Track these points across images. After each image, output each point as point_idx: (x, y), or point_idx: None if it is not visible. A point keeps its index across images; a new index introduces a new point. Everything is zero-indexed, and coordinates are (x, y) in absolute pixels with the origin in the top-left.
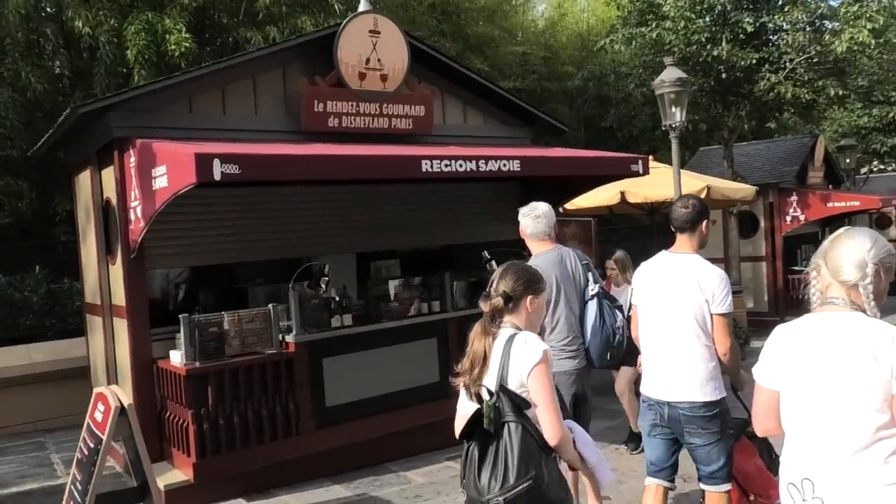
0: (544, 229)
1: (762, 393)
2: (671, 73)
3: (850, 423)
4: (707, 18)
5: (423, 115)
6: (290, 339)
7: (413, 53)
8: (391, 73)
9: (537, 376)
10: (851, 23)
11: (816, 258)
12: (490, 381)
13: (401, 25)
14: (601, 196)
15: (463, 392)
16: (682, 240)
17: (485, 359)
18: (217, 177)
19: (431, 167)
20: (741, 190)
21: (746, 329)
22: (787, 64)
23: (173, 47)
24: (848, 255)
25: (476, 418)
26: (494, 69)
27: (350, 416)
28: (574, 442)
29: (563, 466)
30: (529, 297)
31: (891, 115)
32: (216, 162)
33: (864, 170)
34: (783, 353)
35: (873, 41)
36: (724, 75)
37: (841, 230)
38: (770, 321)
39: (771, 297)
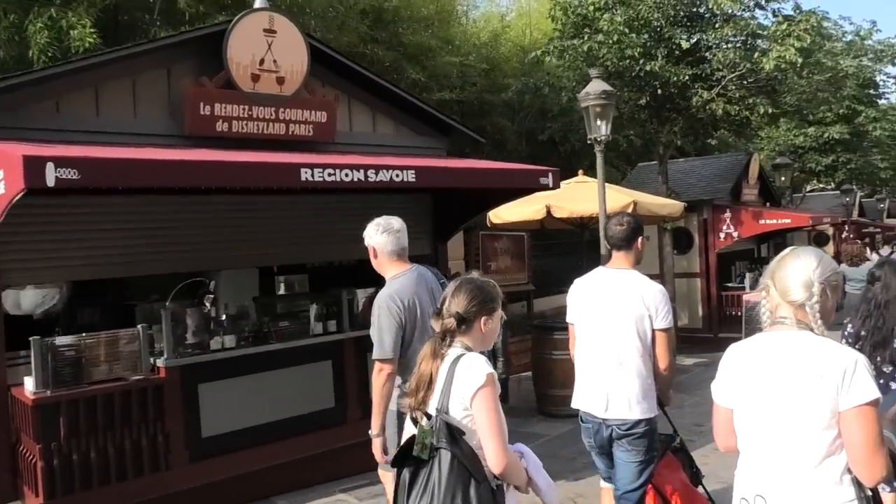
0: (404, 245)
1: (720, 411)
2: (596, 86)
3: (801, 440)
4: (644, 34)
5: (326, 122)
6: (160, 363)
7: (315, 56)
8: (289, 75)
9: (481, 400)
10: (780, 41)
11: (765, 278)
12: (432, 405)
13: (327, 31)
14: (527, 210)
15: (408, 418)
16: (618, 256)
17: (430, 382)
18: (50, 183)
19: (312, 176)
20: (668, 206)
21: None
22: (720, 81)
23: (77, 43)
24: (795, 275)
25: (408, 443)
26: (432, 79)
27: (230, 447)
28: (526, 468)
29: (512, 493)
30: (483, 318)
31: (825, 135)
32: (49, 166)
33: (808, 188)
34: (736, 371)
35: (800, 60)
36: (659, 91)
37: (787, 250)
38: (704, 338)
39: (705, 314)
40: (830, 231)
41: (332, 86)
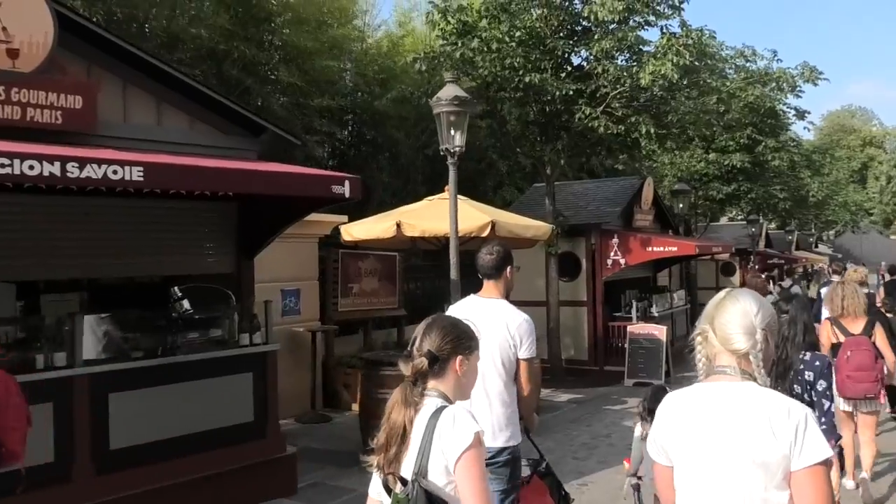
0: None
1: (659, 470)
2: (449, 91)
3: (751, 502)
4: (528, 45)
5: (82, 108)
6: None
7: (71, 29)
8: (25, 47)
9: (467, 465)
10: (659, 56)
11: (702, 324)
12: (408, 464)
13: (172, 20)
14: (378, 227)
15: (375, 475)
16: (489, 285)
17: (404, 435)
18: None
19: None
20: (533, 228)
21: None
22: (605, 98)
23: None
24: (736, 321)
25: None
26: (312, 84)
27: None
28: None
29: None
30: (459, 358)
31: (728, 163)
32: None
33: (724, 218)
34: (674, 426)
35: (676, 76)
36: (544, 106)
37: (723, 293)
38: (589, 370)
39: (591, 345)
40: (737, 262)
41: (101, 66)
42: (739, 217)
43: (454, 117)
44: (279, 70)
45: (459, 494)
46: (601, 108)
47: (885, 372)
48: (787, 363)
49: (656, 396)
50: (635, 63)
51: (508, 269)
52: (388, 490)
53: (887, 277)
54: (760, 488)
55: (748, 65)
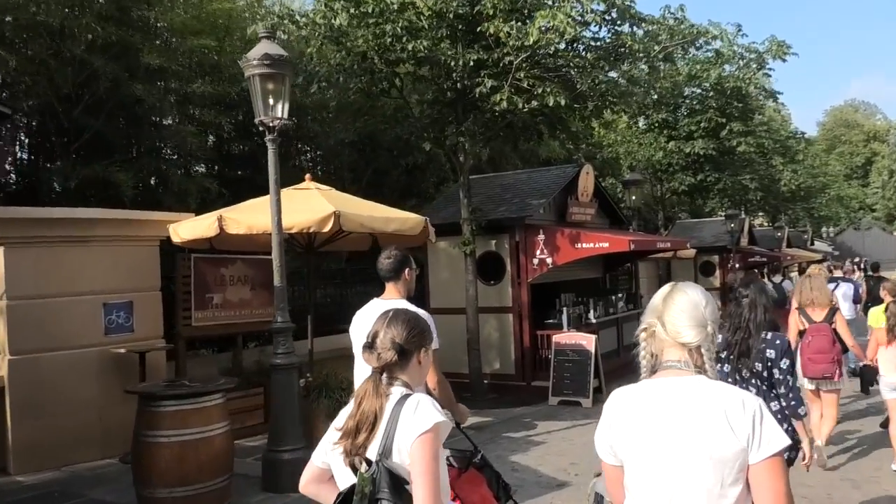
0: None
1: (606, 468)
2: (259, 50)
3: (707, 498)
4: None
5: None
6: None
7: None
8: None
9: (420, 446)
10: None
11: (649, 317)
12: (373, 449)
13: None
14: (200, 225)
15: (338, 459)
16: (390, 287)
17: (374, 423)
18: None
19: None
20: (396, 221)
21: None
22: (510, 67)
23: None
24: (686, 314)
25: (348, 493)
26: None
27: None
28: None
29: None
30: (422, 350)
31: (690, 150)
32: None
33: (717, 214)
34: (623, 424)
35: (572, 30)
36: (446, 82)
37: (668, 287)
38: (516, 386)
39: (518, 357)
40: (717, 261)
41: None
42: (722, 212)
43: (271, 83)
44: (143, 52)
45: (412, 473)
46: (508, 79)
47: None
48: (748, 343)
49: None
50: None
51: (407, 271)
52: (354, 470)
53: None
54: (717, 484)
55: (711, 43)
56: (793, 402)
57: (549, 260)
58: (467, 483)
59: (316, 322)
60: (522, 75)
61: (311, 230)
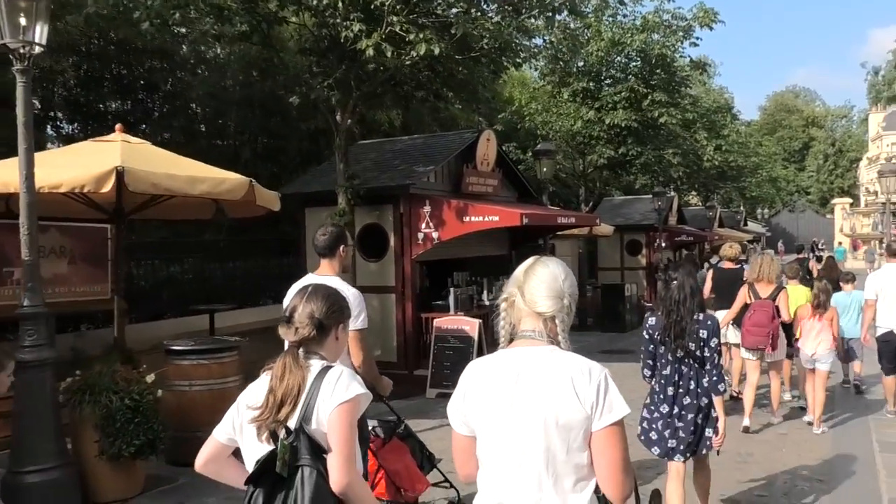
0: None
1: (457, 439)
2: None
3: (553, 463)
4: None
5: None
6: None
7: None
8: None
9: (339, 415)
10: None
11: (510, 287)
12: (291, 419)
13: None
14: None
15: (250, 431)
16: (324, 264)
17: (298, 395)
18: None
19: None
20: (207, 182)
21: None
22: (382, 10)
23: None
24: (545, 285)
25: (267, 460)
26: None
27: None
28: None
29: None
30: (340, 326)
31: (610, 121)
32: None
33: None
34: (475, 394)
35: None
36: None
37: (531, 260)
38: (398, 375)
39: (400, 343)
40: (643, 240)
41: None
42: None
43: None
44: None
45: (329, 441)
46: (383, 25)
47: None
48: (682, 324)
49: None
50: None
51: (342, 247)
52: (275, 439)
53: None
54: (563, 451)
55: (636, 8)
56: (714, 379)
57: (434, 234)
58: (391, 453)
59: (171, 302)
60: (396, 20)
61: (87, 190)
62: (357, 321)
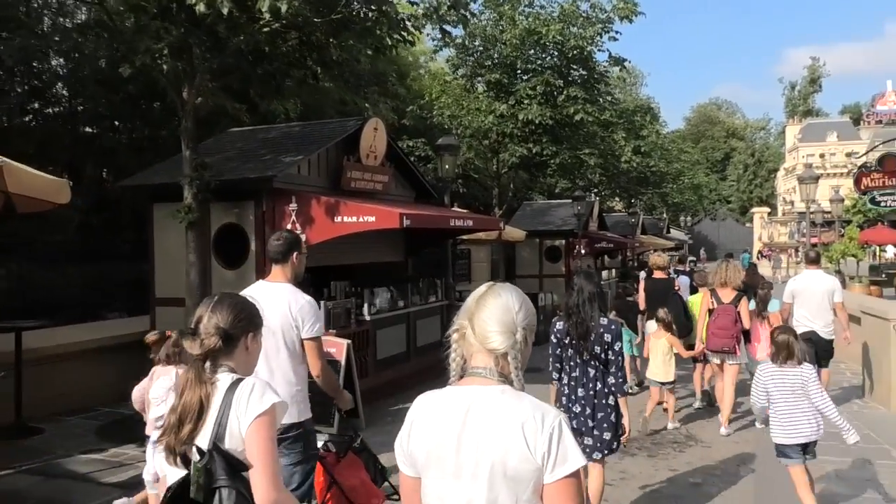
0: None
1: (403, 479)
2: None
3: None
4: None
5: None
6: None
7: None
8: None
9: (257, 429)
10: None
11: (461, 318)
12: (203, 438)
13: None
14: None
15: (162, 456)
16: (276, 270)
17: (201, 413)
18: None
19: None
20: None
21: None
22: None
23: None
24: (495, 318)
25: (181, 485)
26: None
27: None
28: None
29: None
30: (250, 335)
31: (524, 117)
32: None
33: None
34: (420, 433)
35: None
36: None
37: (483, 287)
38: None
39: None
40: (563, 246)
41: None
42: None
43: None
44: None
45: (248, 457)
46: None
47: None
48: (584, 326)
49: None
50: None
51: (295, 255)
52: (187, 462)
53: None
54: (511, 502)
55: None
56: (620, 380)
57: (303, 237)
58: (347, 468)
59: None
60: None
61: None
62: (313, 329)
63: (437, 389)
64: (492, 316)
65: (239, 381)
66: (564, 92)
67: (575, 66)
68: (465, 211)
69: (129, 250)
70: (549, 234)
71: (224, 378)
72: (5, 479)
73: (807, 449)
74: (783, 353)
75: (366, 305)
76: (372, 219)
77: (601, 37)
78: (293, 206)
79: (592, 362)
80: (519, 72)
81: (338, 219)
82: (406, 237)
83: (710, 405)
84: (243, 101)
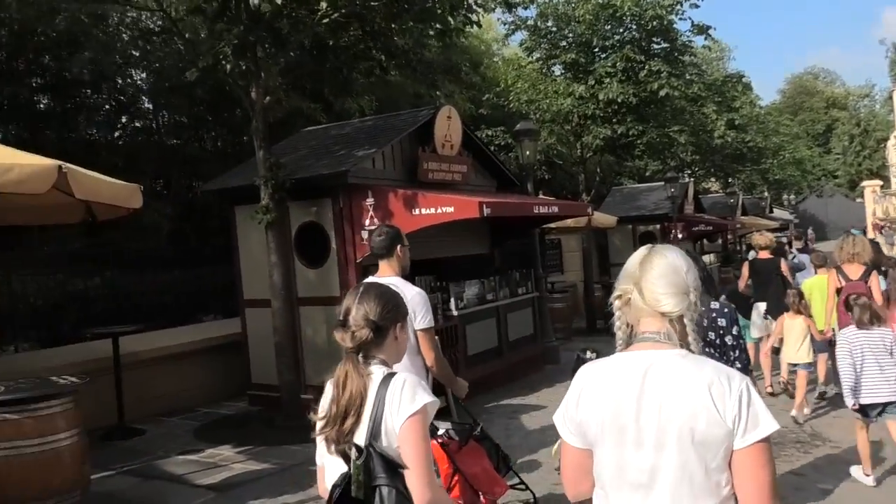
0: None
1: (570, 452)
2: None
3: (689, 485)
4: None
5: None
6: None
7: None
8: None
9: (410, 429)
10: None
11: (624, 283)
12: (360, 434)
13: None
14: None
15: (322, 445)
16: (383, 265)
17: (361, 405)
18: None
19: None
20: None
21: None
22: None
23: None
24: (666, 280)
25: (342, 485)
26: None
27: None
28: None
29: None
30: (398, 325)
31: (603, 96)
32: None
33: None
34: (593, 403)
35: None
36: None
37: (644, 249)
38: None
39: None
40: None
41: None
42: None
43: None
44: None
45: (402, 457)
46: None
47: None
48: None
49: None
50: None
51: (399, 247)
52: (347, 459)
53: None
54: (700, 470)
55: None
56: (739, 367)
57: None
58: (468, 456)
59: (79, 325)
60: None
61: None
62: (425, 320)
63: (606, 358)
64: (661, 277)
65: (390, 376)
66: (646, 67)
67: (656, 39)
68: (550, 198)
69: (220, 254)
70: (642, 219)
71: (377, 371)
72: (106, 481)
73: (886, 409)
74: (866, 314)
75: (452, 300)
76: (451, 209)
77: (681, 5)
78: (370, 200)
79: (707, 349)
80: (596, 50)
81: (416, 211)
82: (491, 228)
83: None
84: (318, 100)
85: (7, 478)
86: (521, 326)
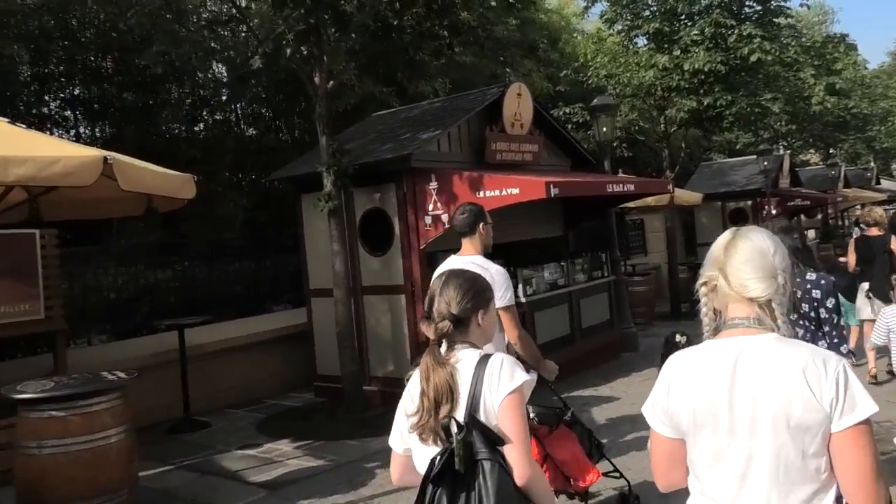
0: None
1: (660, 442)
2: None
3: (787, 471)
4: None
5: None
6: None
7: None
8: None
9: (509, 406)
10: None
11: (709, 270)
12: (459, 412)
13: None
14: None
15: (414, 437)
16: (465, 244)
17: (451, 391)
18: None
19: None
20: (18, 163)
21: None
22: None
23: None
24: (752, 264)
25: (443, 458)
26: None
27: None
28: None
29: None
30: (480, 312)
31: (689, 66)
32: None
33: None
34: (685, 391)
35: None
36: None
37: (729, 233)
38: None
39: (413, 356)
40: (749, 207)
41: None
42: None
43: None
44: None
45: (503, 435)
46: None
47: None
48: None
49: (669, 349)
50: None
51: (482, 225)
52: (448, 435)
53: None
54: (798, 456)
55: None
56: (836, 340)
57: (444, 217)
58: (558, 441)
59: (152, 316)
60: None
61: None
62: (506, 297)
63: (695, 346)
64: (747, 262)
65: (488, 356)
66: (736, 31)
67: (748, 2)
68: (625, 176)
69: (292, 244)
70: (732, 195)
71: (469, 354)
72: (162, 477)
73: None
74: None
75: (521, 286)
76: (516, 191)
77: None
78: (433, 184)
79: (801, 322)
80: (682, 17)
81: (479, 194)
82: (564, 209)
83: None
84: (390, 84)
85: (54, 476)
86: (596, 312)
